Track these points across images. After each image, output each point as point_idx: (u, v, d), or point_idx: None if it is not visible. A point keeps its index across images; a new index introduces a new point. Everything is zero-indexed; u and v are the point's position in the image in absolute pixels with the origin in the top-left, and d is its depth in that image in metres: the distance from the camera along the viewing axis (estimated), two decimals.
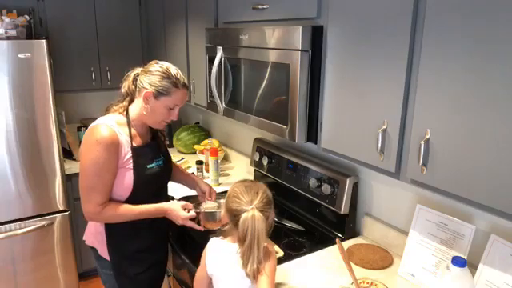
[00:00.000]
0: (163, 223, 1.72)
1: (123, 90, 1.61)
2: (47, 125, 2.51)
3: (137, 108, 1.57)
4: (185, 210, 1.60)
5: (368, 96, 1.29)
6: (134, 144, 1.55)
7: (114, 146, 1.48)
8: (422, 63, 1.11)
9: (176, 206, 1.60)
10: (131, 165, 1.53)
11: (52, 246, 2.68)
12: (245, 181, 1.34)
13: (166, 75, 1.51)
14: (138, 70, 1.58)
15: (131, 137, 1.55)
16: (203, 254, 1.39)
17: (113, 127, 1.51)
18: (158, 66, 1.54)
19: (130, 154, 1.53)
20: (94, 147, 1.47)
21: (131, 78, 1.58)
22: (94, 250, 1.69)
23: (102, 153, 1.46)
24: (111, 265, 1.64)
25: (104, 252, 1.64)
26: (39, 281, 2.68)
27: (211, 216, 1.67)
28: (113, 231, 1.60)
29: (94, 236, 1.66)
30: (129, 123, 1.56)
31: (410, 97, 1.17)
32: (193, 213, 1.61)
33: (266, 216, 1.25)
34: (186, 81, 1.56)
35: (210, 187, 1.84)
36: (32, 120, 2.46)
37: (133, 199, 1.56)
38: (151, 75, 1.52)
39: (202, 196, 1.82)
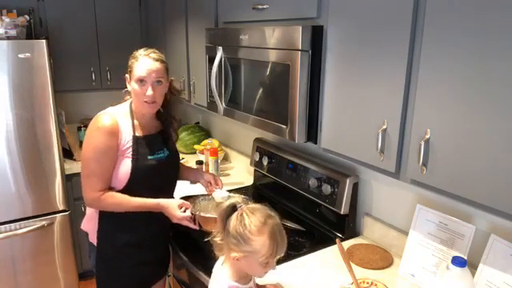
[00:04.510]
0: (160, 223, 1.71)
1: None
2: (47, 125, 2.51)
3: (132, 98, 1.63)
4: (181, 208, 1.59)
5: (368, 96, 1.29)
6: (136, 134, 1.59)
7: (113, 133, 1.53)
8: (422, 63, 1.11)
9: (173, 204, 1.60)
10: (130, 153, 1.56)
11: (52, 246, 2.68)
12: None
13: (132, 56, 1.59)
14: None
15: (134, 127, 1.59)
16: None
17: (115, 116, 1.56)
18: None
19: (130, 143, 1.56)
20: (94, 134, 1.54)
21: None
22: (87, 234, 1.72)
23: (102, 139, 1.52)
24: (96, 250, 1.66)
25: (93, 237, 1.66)
26: (39, 281, 2.68)
27: (209, 213, 1.65)
28: (106, 218, 1.62)
29: (88, 220, 1.69)
30: (132, 114, 1.61)
31: (409, 97, 1.17)
32: (188, 213, 1.60)
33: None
34: (152, 54, 1.57)
35: (214, 175, 1.84)
36: (32, 120, 2.46)
37: (129, 189, 1.57)
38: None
39: (208, 187, 1.81)
